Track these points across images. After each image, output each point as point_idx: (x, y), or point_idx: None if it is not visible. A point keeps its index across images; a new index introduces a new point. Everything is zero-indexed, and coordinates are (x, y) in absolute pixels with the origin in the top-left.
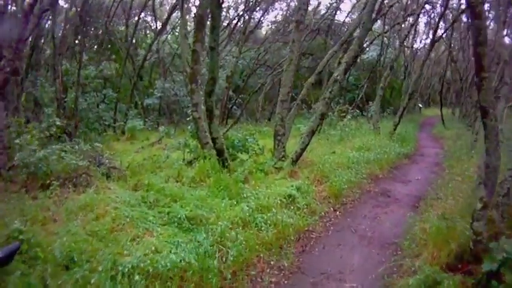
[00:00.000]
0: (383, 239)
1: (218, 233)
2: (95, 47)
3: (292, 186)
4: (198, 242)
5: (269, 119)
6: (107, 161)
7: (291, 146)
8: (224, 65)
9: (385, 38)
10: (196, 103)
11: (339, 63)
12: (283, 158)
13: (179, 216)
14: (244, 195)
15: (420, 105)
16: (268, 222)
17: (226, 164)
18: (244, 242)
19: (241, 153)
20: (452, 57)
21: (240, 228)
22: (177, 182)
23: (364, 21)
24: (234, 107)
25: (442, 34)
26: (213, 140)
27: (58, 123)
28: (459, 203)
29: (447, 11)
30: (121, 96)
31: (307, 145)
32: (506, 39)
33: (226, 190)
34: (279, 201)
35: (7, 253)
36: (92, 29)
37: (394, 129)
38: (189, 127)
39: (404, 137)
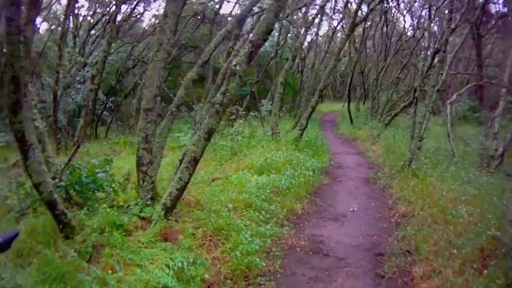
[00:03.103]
0: None
1: None
2: None
3: (167, 265)
4: None
5: None
6: None
7: (166, 170)
8: (93, 62)
9: (285, 24)
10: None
11: (228, 53)
12: (152, 200)
13: None
14: None
15: None
16: None
17: (64, 221)
18: None
19: (93, 191)
20: (356, 47)
21: None
22: None
23: None
24: (105, 112)
25: (366, 16)
26: (36, 187)
27: None
28: (459, 272)
29: None
30: None
31: (187, 182)
32: None
33: (59, 284)
34: None
35: (6, 239)
36: None
37: (301, 135)
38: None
39: (314, 144)
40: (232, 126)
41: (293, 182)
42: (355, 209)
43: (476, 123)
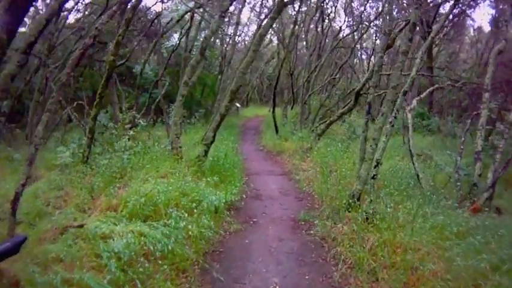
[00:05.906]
0: None
1: None
2: None
3: None
4: None
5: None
6: None
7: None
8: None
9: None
10: None
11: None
12: None
13: None
14: None
15: (238, 105)
16: None
17: None
18: None
19: None
20: (284, 45)
21: None
22: None
23: None
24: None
25: None
26: None
27: None
28: None
29: None
30: None
31: None
32: None
33: None
34: None
35: (15, 243)
36: None
37: (205, 154)
38: None
39: (222, 165)
40: (129, 139)
41: (172, 245)
42: (277, 286)
43: (425, 132)
